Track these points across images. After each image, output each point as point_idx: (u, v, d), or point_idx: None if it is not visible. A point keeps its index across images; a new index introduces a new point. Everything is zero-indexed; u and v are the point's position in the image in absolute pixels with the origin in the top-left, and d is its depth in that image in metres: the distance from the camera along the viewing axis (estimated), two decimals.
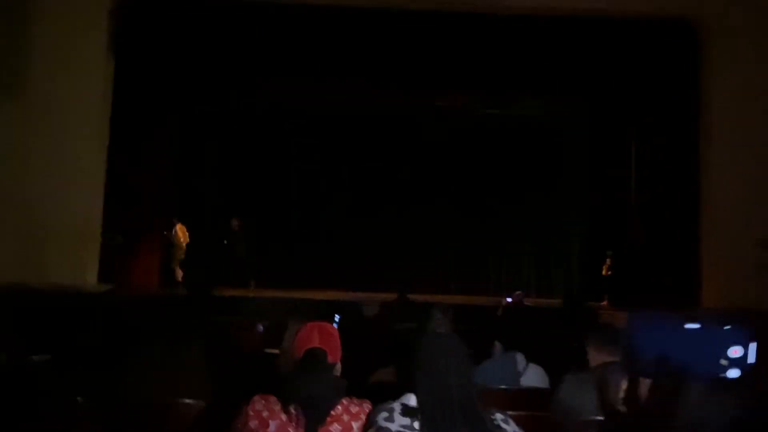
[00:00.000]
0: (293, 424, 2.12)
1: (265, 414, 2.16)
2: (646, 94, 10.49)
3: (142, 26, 9.75)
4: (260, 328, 7.15)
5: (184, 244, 11.18)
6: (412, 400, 1.98)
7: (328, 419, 2.13)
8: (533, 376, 3.59)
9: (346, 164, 13.35)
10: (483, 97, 12.41)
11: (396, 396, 2.04)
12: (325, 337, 2.33)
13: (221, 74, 11.28)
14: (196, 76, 10.84)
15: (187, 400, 2.86)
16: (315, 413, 2.13)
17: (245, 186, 13.12)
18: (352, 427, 2.13)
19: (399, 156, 13.31)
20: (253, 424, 2.15)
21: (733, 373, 1.20)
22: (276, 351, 4.20)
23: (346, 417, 2.15)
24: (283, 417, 2.13)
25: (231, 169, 13.08)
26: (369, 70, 10.71)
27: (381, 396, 2.14)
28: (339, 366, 2.39)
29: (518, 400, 3.19)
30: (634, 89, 10.59)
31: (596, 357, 3.12)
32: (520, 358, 3.63)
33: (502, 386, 3.37)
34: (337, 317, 6.40)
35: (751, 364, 1.20)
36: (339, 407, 2.17)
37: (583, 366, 3.09)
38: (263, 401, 2.20)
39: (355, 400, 2.23)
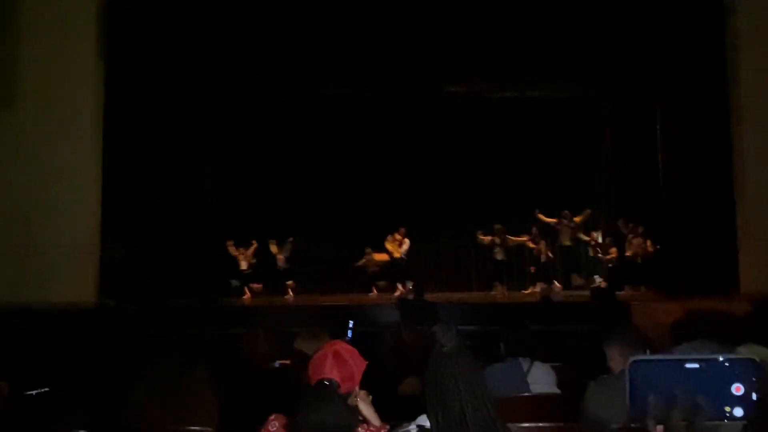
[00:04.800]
0: None
1: None
2: (672, 69, 10.39)
3: (131, 30, 9.80)
4: (262, 336, 7.19)
5: None
6: (428, 421, 1.98)
7: None
8: (539, 375, 3.64)
9: (353, 160, 13.36)
10: (498, 81, 12.31)
11: (418, 413, 2.05)
12: (339, 363, 2.35)
13: (216, 73, 11.32)
14: (189, 78, 10.90)
15: (194, 428, 2.87)
16: None
17: (248, 188, 13.16)
18: None
19: (408, 149, 13.28)
20: None
21: (738, 412, 1.21)
22: (287, 362, 4.25)
23: None
24: None
25: (232, 170, 13.12)
26: (370, 58, 10.66)
27: (406, 412, 2.16)
28: (356, 391, 2.41)
29: (530, 409, 3.20)
30: (659, 65, 10.48)
31: (623, 359, 3.12)
32: (523, 360, 3.68)
33: (510, 394, 3.40)
34: (350, 323, 6.44)
35: (755, 401, 1.21)
36: None
37: (609, 370, 3.10)
38: (277, 423, 2.24)
39: (372, 428, 2.27)
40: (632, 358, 1.27)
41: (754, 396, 1.20)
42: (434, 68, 11.05)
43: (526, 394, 3.55)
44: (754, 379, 1.21)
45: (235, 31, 10.23)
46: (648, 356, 1.32)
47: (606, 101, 12.74)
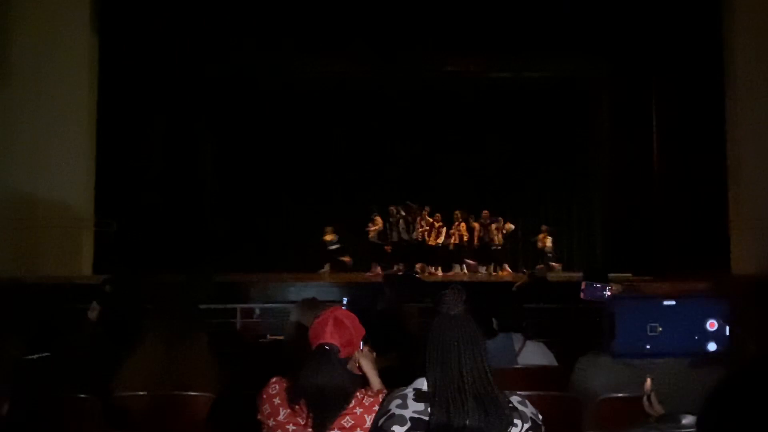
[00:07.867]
0: (303, 414, 2.20)
1: (276, 401, 2.24)
2: (669, 49, 10.41)
3: (125, 4, 9.72)
4: (257, 311, 7.28)
5: None
6: (425, 385, 2.01)
7: (341, 413, 2.20)
8: (531, 354, 3.68)
9: (351, 139, 13.34)
10: (496, 60, 12.34)
11: (410, 381, 2.07)
12: (339, 329, 2.34)
13: (212, 47, 11.26)
14: (184, 52, 10.83)
15: (194, 393, 2.93)
16: (324, 409, 2.20)
17: (241, 164, 13.14)
18: (365, 420, 2.18)
19: (409, 127, 13.27)
20: (265, 408, 2.25)
21: (711, 346, 1.28)
22: (280, 337, 4.30)
23: (359, 410, 2.21)
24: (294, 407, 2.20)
25: (228, 143, 13.10)
26: (368, 36, 10.62)
27: (397, 381, 2.20)
28: (357, 355, 2.43)
29: (520, 379, 3.26)
30: (656, 45, 10.50)
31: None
32: (516, 337, 3.71)
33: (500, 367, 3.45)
34: (345, 300, 6.49)
35: (727, 336, 1.28)
36: (353, 401, 2.23)
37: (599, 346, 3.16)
38: (277, 386, 2.27)
39: (370, 392, 2.30)
40: (615, 296, 1.33)
41: (726, 331, 1.27)
42: (431, 47, 11.03)
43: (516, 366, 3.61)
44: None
45: (231, 3, 10.16)
46: (629, 294, 1.38)
47: (602, 81, 12.76)
